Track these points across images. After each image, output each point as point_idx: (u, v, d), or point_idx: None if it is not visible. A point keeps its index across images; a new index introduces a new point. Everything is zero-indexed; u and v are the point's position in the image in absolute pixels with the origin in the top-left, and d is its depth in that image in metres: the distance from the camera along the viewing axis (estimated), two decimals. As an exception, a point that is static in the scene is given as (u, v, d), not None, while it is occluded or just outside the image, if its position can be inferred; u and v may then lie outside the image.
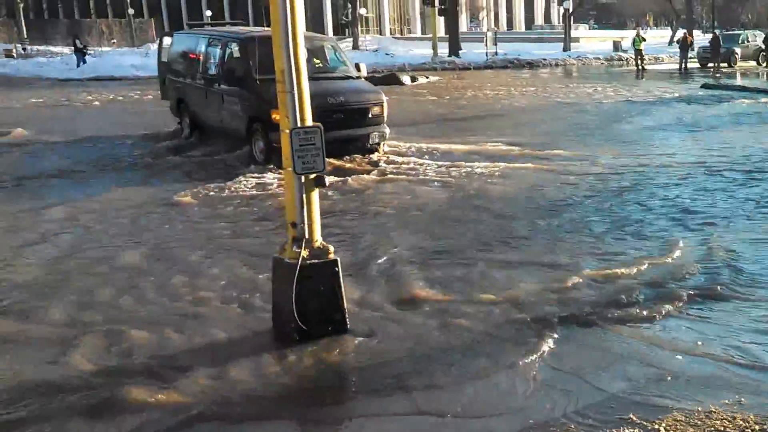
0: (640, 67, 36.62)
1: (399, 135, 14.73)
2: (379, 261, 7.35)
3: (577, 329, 5.69)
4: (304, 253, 5.27)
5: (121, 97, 25.39)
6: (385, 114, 13.10)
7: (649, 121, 17.94)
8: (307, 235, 5.29)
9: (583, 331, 5.68)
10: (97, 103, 24.05)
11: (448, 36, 48.03)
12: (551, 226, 8.59)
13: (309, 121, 5.21)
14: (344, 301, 5.60)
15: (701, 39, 50.74)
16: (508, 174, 11.52)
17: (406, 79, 30.86)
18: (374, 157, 12.84)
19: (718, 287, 6.46)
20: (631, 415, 4.39)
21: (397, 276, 6.92)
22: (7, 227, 8.87)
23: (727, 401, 4.54)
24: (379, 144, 13.10)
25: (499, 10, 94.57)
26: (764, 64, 38.06)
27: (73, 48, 41.10)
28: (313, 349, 5.36)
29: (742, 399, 4.57)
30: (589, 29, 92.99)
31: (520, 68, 40.78)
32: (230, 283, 6.81)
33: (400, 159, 12.84)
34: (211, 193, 10.47)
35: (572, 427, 4.31)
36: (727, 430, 4.23)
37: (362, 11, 64.87)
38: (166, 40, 16.76)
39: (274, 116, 10.52)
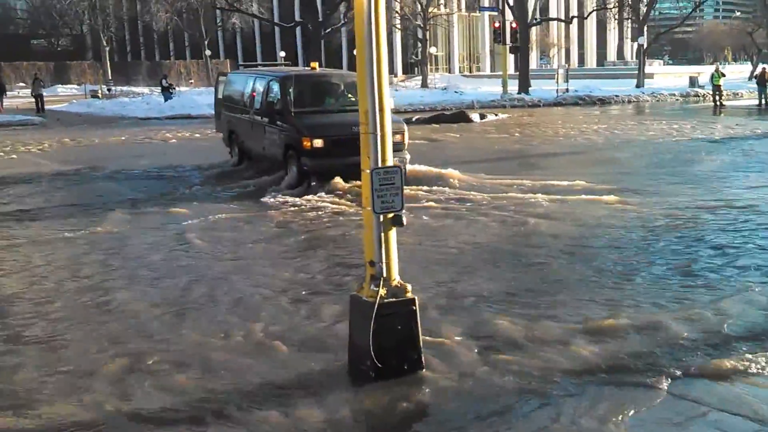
0: (718, 103, 35.75)
1: (467, 172, 14.80)
2: (453, 298, 7.33)
3: (664, 381, 5.46)
4: (382, 291, 5.30)
5: (198, 134, 26.22)
6: (406, 141, 14.09)
7: (726, 159, 17.44)
8: (384, 274, 5.32)
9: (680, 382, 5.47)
10: (174, 140, 24.85)
11: (518, 73, 48.01)
12: (624, 268, 8.38)
13: (390, 161, 5.28)
14: (420, 339, 5.59)
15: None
16: (577, 213, 11.33)
17: (475, 116, 30.91)
18: (446, 192, 13.06)
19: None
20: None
21: (472, 314, 6.88)
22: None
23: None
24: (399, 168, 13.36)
25: (571, 47, 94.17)
26: None
27: (161, 87, 45.13)
28: (389, 388, 5.35)
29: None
30: (664, 65, 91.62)
31: (591, 105, 40.37)
32: (296, 315, 6.90)
33: (465, 194, 12.88)
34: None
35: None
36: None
37: (432, 50, 65.53)
38: (222, 79, 18.91)
39: (305, 144, 13.48)
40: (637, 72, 51.62)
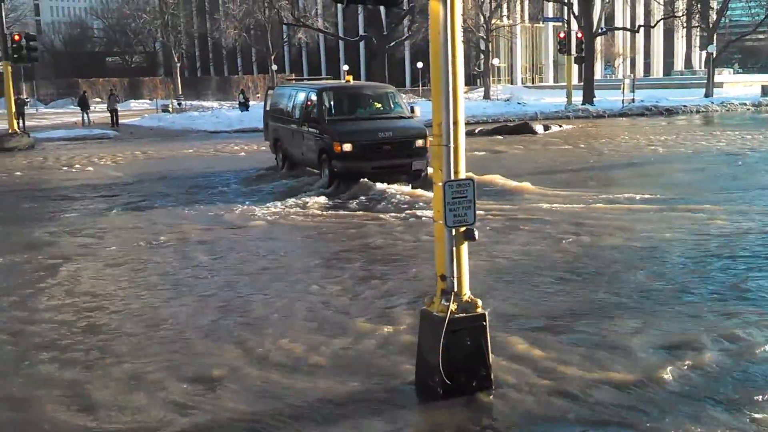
0: (791, 113, 34.61)
1: (536, 184, 14.73)
2: (524, 315, 7.27)
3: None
4: (453, 306, 5.30)
5: (264, 147, 26.61)
6: (428, 146, 14.92)
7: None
8: (455, 289, 5.32)
9: None
10: (243, 153, 25.34)
11: (582, 84, 47.37)
12: (698, 289, 8.14)
13: (462, 174, 5.26)
14: (490, 356, 5.54)
15: None
16: (645, 228, 11.07)
17: (539, 127, 30.61)
18: (517, 203, 12.94)
19: None
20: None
21: (546, 331, 6.79)
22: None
23: None
24: (421, 171, 15.43)
25: (637, 56, 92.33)
26: None
27: (239, 101, 48.40)
28: (457, 405, 5.33)
29: None
30: (734, 73, 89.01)
31: (657, 115, 39.45)
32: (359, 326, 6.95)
33: (538, 206, 12.77)
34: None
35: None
36: None
37: (495, 61, 65.21)
38: (270, 93, 20.88)
39: (336, 148, 15.12)
40: (705, 81, 50.35)
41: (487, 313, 5.51)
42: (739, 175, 16.53)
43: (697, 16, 53.93)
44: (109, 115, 41.55)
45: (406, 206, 13.28)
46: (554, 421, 5.16)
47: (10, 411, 5.59)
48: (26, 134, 31.19)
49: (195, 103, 60.33)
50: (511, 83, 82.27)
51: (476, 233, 5.30)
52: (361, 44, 67.82)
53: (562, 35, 44.61)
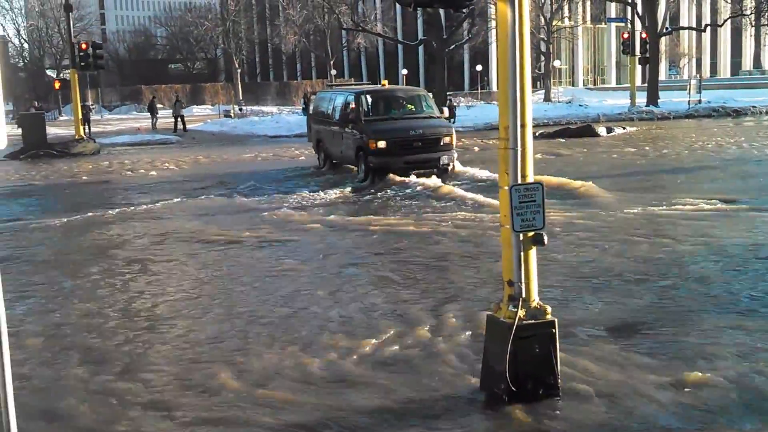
0: None
1: (601, 187, 14.43)
2: (594, 322, 7.05)
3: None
4: (521, 312, 5.17)
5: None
6: (454, 143, 17.73)
7: None
8: (524, 295, 5.18)
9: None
10: (303, 157, 25.51)
11: (646, 85, 46.35)
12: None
13: (530, 178, 5.13)
14: (558, 364, 5.39)
15: None
16: (722, 232, 10.67)
17: (601, 130, 30.00)
18: (582, 206, 12.65)
19: None
20: None
21: (607, 338, 6.59)
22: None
23: None
24: (448, 164, 17.29)
25: (703, 56, 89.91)
26: None
27: (302, 106, 49.29)
28: (523, 412, 5.19)
29: None
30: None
31: (724, 117, 38.26)
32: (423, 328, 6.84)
33: (600, 211, 12.46)
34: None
35: None
36: None
37: (556, 63, 64.37)
38: (312, 98, 22.70)
39: (371, 145, 16.94)
40: (776, 81, 48.74)
41: (556, 320, 5.35)
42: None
43: (767, 13, 52.24)
44: (172, 120, 42.41)
45: (428, 193, 15.14)
46: (623, 430, 4.99)
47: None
48: (92, 140, 32.12)
49: (255, 108, 61.20)
50: (572, 85, 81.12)
51: (546, 238, 5.15)
52: (420, 48, 67.72)
53: (625, 35, 43.77)
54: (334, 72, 63.43)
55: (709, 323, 6.92)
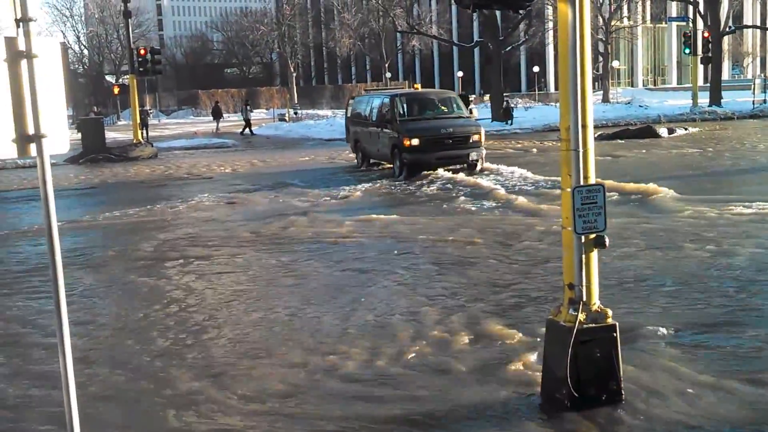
0: None
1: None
2: (649, 326, 6.82)
3: None
4: (582, 316, 5.03)
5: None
6: (483, 140, 19.18)
7: None
8: (584, 298, 5.05)
9: None
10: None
11: (708, 85, 45.17)
12: None
13: (592, 179, 5.00)
14: (621, 369, 5.25)
15: None
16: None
17: (663, 131, 29.31)
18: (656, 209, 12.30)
19: None
20: None
21: (673, 346, 6.38)
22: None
23: None
24: (477, 161, 18.82)
25: (767, 55, 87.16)
26: None
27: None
28: (586, 418, 5.08)
29: None
30: None
31: (793, 117, 37.06)
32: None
33: (664, 214, 12.13)
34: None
35: None
36: None
37: (615, 63, 63.24)
38: (350, 102, 24.21)
39: (405, 143, 18.41)
40: None
41: (617, 324, 5.20)
42: None
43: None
44: (244, 123, 43.16)
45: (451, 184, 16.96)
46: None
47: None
48: (149, 144, 32.69)
49: (310, 111, 61.73)
50: (632, 86, 79.64)
51: (607, 240, 5.01)
52: (476, 50, 67.37)
53: (687, 35, 42.74)
54: (389, 75, 63.54)
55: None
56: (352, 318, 7.63)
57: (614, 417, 5.11)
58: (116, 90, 56.64)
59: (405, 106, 19.82)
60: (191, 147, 35.38)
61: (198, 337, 7.29)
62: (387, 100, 20.06)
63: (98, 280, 9.84)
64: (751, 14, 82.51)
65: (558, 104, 5.14)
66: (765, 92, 41.91)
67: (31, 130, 3.60)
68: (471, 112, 20.43)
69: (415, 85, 23.26)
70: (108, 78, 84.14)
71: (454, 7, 70.11)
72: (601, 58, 56.95)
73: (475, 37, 60.20)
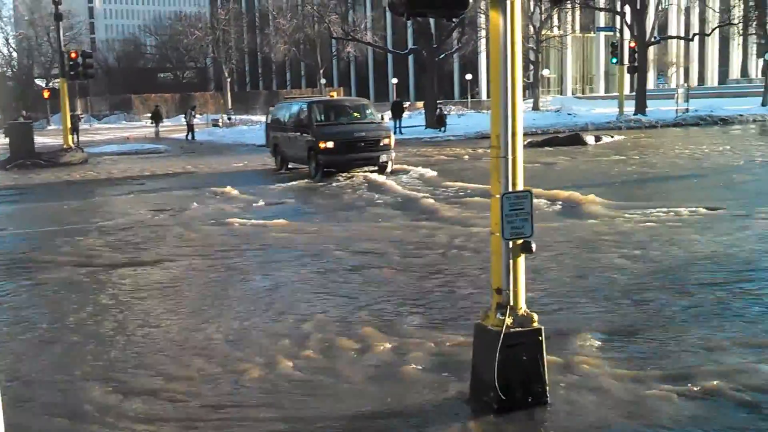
0: None
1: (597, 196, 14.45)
2: (574, 329, 7.03)
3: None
4: (509, 320, 5.16)
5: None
6: (392, 144, 21.03)
7: None
8: (511, 302, 5.18)
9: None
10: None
11: (634, 94, 46.61)
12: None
13: (520, 186, 5.13)
14: (546, 371, 5.40)
15: None
16: (705, 241, 10.66)
17: (589, 138, 30.06)
18: (581, 215, 12.63)
19: None
20: None
21: (597, 348, 6.57)
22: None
23: None
24: (387, 162, 20.52)
25: (690, 65, 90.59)
26: None
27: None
28: (512, 420, 5.20)
29: None
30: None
31: (712, 125, 38.41)
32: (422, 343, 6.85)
33: (591, 220, 12.47)
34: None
35: None
36: None
37: (545, 72, 64.67)
38: (270, 110, 26.09)
39: (321, 146, 20.00)
40: (763, 90, 49.07)
41: (543, 327, 5.36)
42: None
43: (755, 23, 52.70)
44: (186, 128, 42.64)
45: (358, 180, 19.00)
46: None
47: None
48: (80, 149, 31.86)
49: (244, 117, 61.13)
50: (561, 94, 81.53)
51: (533, 246, 5.15)
52: (410, 57, 67.91)
53: (614, 44, 44.04)
54: (323, 81, 63.55)
55: (702, 328, 6.94)
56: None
57: (539, 418, 5.25)
58: (46, 94, 55.00)
59: (321, 112, 21.57)
60: (123, 152, 34.65)
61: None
62: (305, 107, 21.73)
63: None
64: (675, 25, 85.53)
65: (490, 112, 5.26)
66: (687, 101, 43.47)
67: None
68: (381, 119, 22.51)
69: (331, 93, 25.09)
70: (38, 81, 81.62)
71: (389, 15, 70.57)
72: (531, 67, 58.20)
73: (410, 45, 60.70)
